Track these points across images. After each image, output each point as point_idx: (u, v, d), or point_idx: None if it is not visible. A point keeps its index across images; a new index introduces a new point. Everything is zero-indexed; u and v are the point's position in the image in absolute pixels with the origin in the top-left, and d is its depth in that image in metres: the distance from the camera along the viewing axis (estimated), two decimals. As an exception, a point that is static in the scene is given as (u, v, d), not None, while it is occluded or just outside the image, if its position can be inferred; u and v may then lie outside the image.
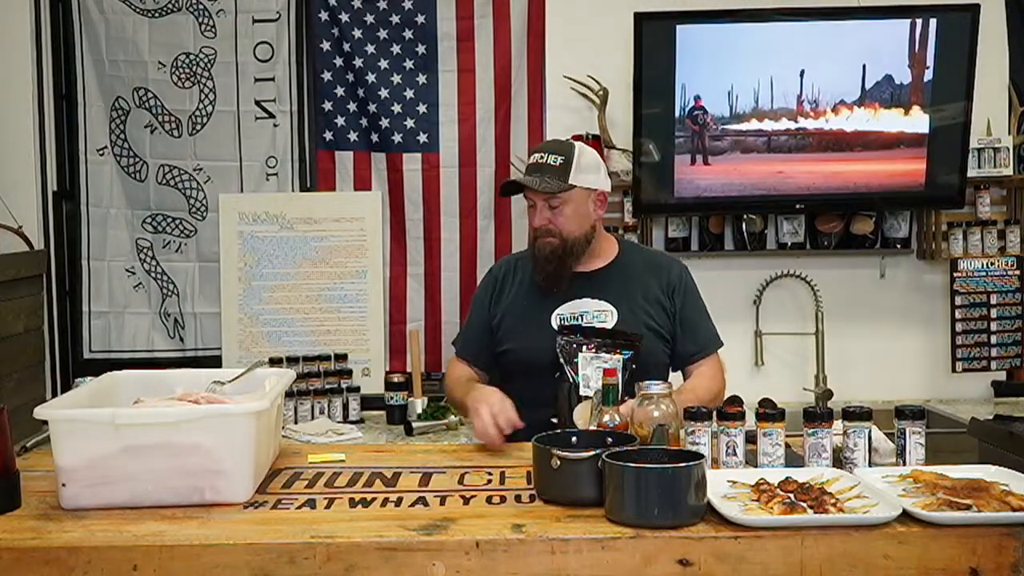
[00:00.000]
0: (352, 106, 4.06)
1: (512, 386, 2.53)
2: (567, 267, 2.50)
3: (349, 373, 3.73)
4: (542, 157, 2.48)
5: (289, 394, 3.39)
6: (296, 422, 3.47)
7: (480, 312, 2.66)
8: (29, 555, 1.58)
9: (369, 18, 4.02)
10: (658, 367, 2.53)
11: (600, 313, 2.49)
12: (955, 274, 3.91)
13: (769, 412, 1.94)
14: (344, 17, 4.01)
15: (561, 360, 2.31)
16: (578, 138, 3.85)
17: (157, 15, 4.01)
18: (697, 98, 3.70)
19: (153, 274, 4.10)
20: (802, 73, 3.69)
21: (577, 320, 2.49)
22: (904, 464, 1.92)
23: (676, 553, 1.57)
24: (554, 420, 2.38)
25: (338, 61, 4.04)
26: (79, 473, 1.75)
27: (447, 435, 3.47)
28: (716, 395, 2.49)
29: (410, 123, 4.04)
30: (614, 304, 2.50)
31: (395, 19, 4.02)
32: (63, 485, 1.76)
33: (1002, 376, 4.01)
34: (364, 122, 4.06)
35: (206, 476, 1.78)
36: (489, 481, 1.95)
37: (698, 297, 2.67)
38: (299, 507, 1.79)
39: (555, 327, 2.47)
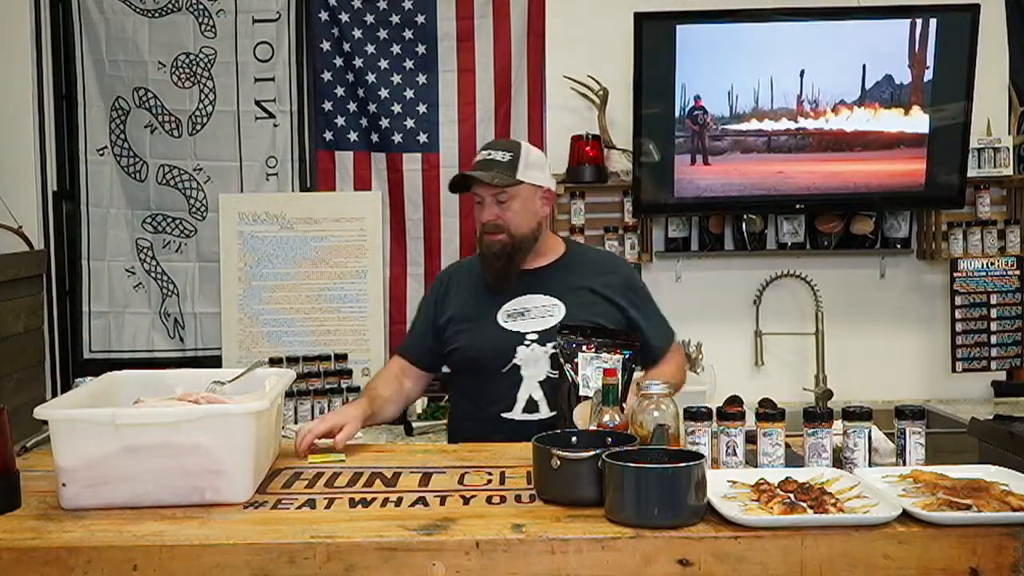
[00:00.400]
0: (352, 106, 4.06)
1: (463, 384, 2.60)
2: (515, 264, 2.52)
3: (349, 373, 3.74)
4: (490, 153, 2.51)
5: (289, 394, 3.39)
6: (296, 422, 3.47)
7: (426, 314, 2.67)
8: (29, 555, 1.58)
9: (369, 18, 4.02)
10: None
11: (547, 308, 2.51)
12: (955, 274, 3.91)
13: (769, 412, 1.94)
14: (344, 17, 4.01)
15: (561, 360, 2.31)
16: (578, 138, 3.87)
17: (157, 15, 4.01)
18: (697, 98, 3.70)
19: (153, 274, 4.10)
20: (802, 73, 3.69)
21: (523, 315, 2.51)
22: (904, 464, 1.92)
23: (676, 553, 1.57)
24: (504, 415, 2.44)
25: (338, 61, 4.04)
26: (79, 473, 1.75)
27: (447, 435, 3.46)
28: (679, 385, 2.58)
29: (410, 123, 4.04)
30: (560, 299, 2.52)
31: (395, 19, 4.02)
32: (63, 485, 1.76)
33: (1002, 376, 4.01)
34: (364, 122, 4.06)
35: (206, 476, 1.77)
36: (489, 481, 1.95)
37: (648, 294, 2.70)
38: (299, 507, 1.79)
39: (502, 324, 2.50)
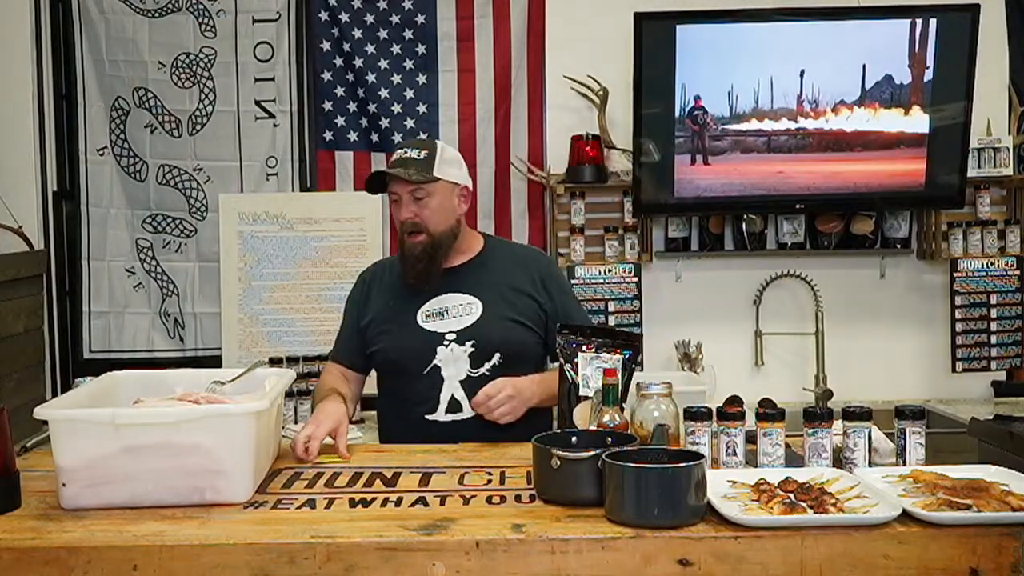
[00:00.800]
0: (352, 106, 4.06)
1: (387, 386, 2.59)
2: (437, 264, 2.50)
3: (349, 373, 3.73)
4: (405, 152, 2.49)
5: (289, 394, 3.39)
6: (296, 422, 3.47)
7: (351, 316, 2.66)
8: (29, 555, 1.58)
9: (369, 18, 4.02)
10: (533, 360, 2.55)
11: (465, 306, 2.50)
12: (955, 274, 3.91)
13: (769, 412, 1.94)
14: (344, 17, 4.01)
15: (561, 360, 2.31)
16: (578, 138, 3.87)
17: (157, 15, 4.01)
18: (697, 98, 3.70)
19: (153, 274, 4.10)
20: (802, 73, 3.69)
21: (442, 315, 2.49)
22: (904, 464, 1.92)
23: (676, 553, 1.57)
24: (427, 417, 2.43)
25: (338, 61, 4.04)
26: (79, 473, 1.75)
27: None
28: None
29: (410, 123, 4.04)
30: (478, 296, 2.51)
31: (395, 19, 4.02)
32: (63, 485, 1.76)
33: (1002, 376, 4.01)
34: (364, 122, 4.06)
35: (206, 476, 1.77)
36: (489, 481, 1.95)
37: (568, 286, 2.68)
38: (299, 507, 1.79)
39: (421, 325, 2.49)
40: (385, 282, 2.62)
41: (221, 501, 1.77)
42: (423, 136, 4.04)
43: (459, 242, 2.56)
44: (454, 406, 2.45)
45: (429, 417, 2.44)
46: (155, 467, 1.76)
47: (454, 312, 2.50)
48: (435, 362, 2.46)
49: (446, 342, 2.46)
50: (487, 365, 2.45)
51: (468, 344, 2.45)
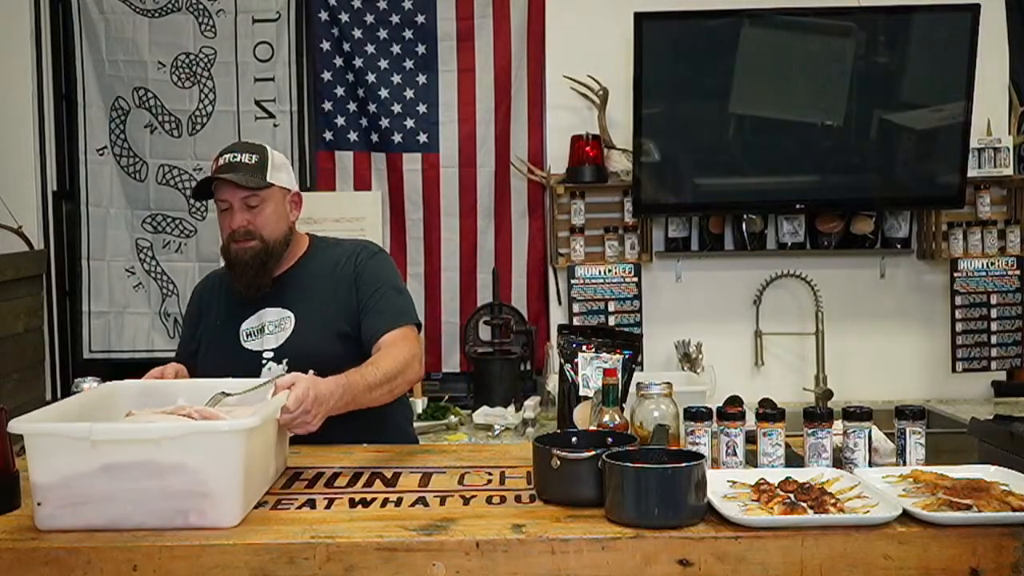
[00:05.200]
0: (352, 106, 4.06)
1: None
2: (268, 271, 2.36)
3: (349, 373, 3.73)
4: (235, 156, 2.33)
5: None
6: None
7: (184, 337, 2.56)
8: (29, 555, 1.58)
9: (369, 18, 4.02)
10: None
11: (279, 322, 2.37)
12: (955, 274, 3.91)
13: (769, 412, 1.94)
14: (344, 17, 4.01)
15: (561, 360, 2.31)
16: (578, 138, 3.87)
17: (157, 15, 4.01)
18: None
19: (153, 274, 4.10)
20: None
21: (260, 332, 2.36)
22: (904, 464, 1.92)
23: (676, 553, 1.57)
24: None
25: (338, 61, 4.04)
26: (55, 492, 1.63)
27: (447, 435, 3.47)
28: (398, 368, 2.20)
29: (410, 123, 4.04)
30: (292, 309, 2.37)
31: (395, 19, 4.03)
32: (39, 504, 1.65)
33: (1002, 376, 4.01)
34: (364, 122, 4.06)
35: (190, 498, 1.64)
36: (489, 481, 1.94)
37: (383, 276, 2.41)
38: (299, 507, 1.78)
39: (243, 343, 2.36)
40: (215, 297, 2.50)
41: (207, 525, 1.64)
42: (423, 137, 4.04)
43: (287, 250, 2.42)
44: None
45: None
46: (135, 487, 1.63)
47: (270, 328, 2.37)
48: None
49: (264, 360, 2.35)
50: None
51: (283, 363, 2.32)
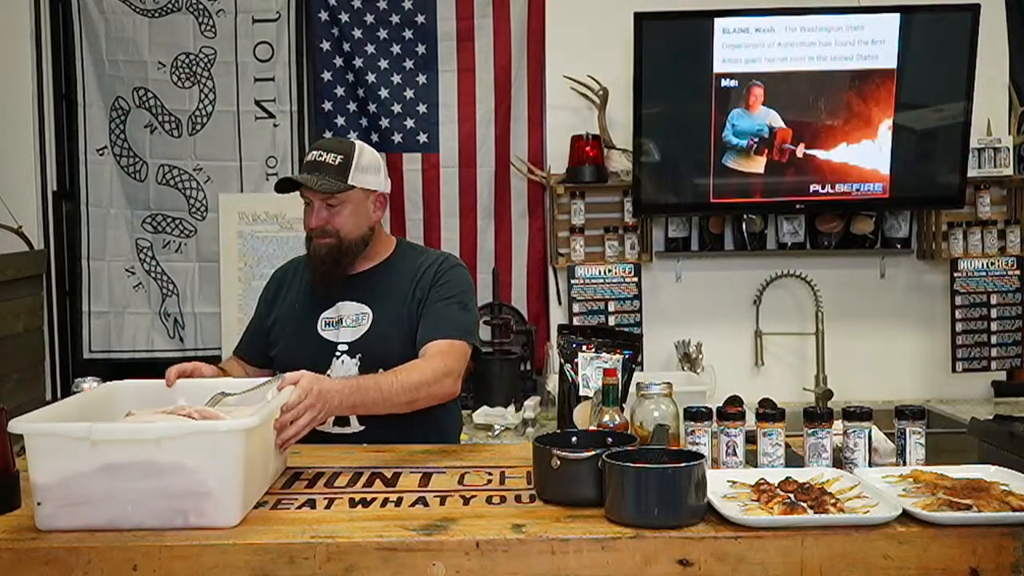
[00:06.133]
0: (352, 106, 4.06)
1: None
2: (342, 268, 2.40)
3: (349, 373, 3.73)
4: (320, 155, 2.36)
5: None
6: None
7: (259, 313, 2.59)
8: (29, 555, 1.58)
9: (369, 18, 4.02)
10: None
11: (357, 316, 2.40)
12: (955, 274, 3.91)
13: (769, 412, 1.94)
14: (344, 17, 4.01)
15: (561, 360, 2.31)
16: (578, 138, 3.87)
17: (157, 15, 4.01)
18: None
19: (153, 274, 4.10)
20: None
21: (339, 324, 2.39)
22: (904, 464, 1.92)
23: (676, 553, 1.57)
24: (318, 428, 2.11)
25: (338, 61, 4.04)
26: (55, 492, 1.64)
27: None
28: (423, 380, 2.20)
29: (410, 123, 4.04)
30: (371, 306, 2.40)
31: (395, 19, 4.03)
32: (39, 504, 1.65)
33: (1002, 376, 4.01)
34: (364, 122, 4.06)
35: (190, 498, 1.64)
36: (489, 481, 1.94)
37: (454, 290, 2.42)
38: (299, 507, 1.78)
39: (320, 332, 2.40)
40: (296, 282, 2.53)
41: (207, 525, 1.64)
42: (423, 137, 4.04)
43: (370, 248, 2.46)
44: (342, 420, 2.32)
45: (319, 428, 2.15)
46: (134, 487, 1.64)
47: (348, 322, 2.40)
48: (329, 372, 2.33)
49: (338, 353, 2.37)
50: None
51: (357, 357, 2.36)
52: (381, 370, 2.21)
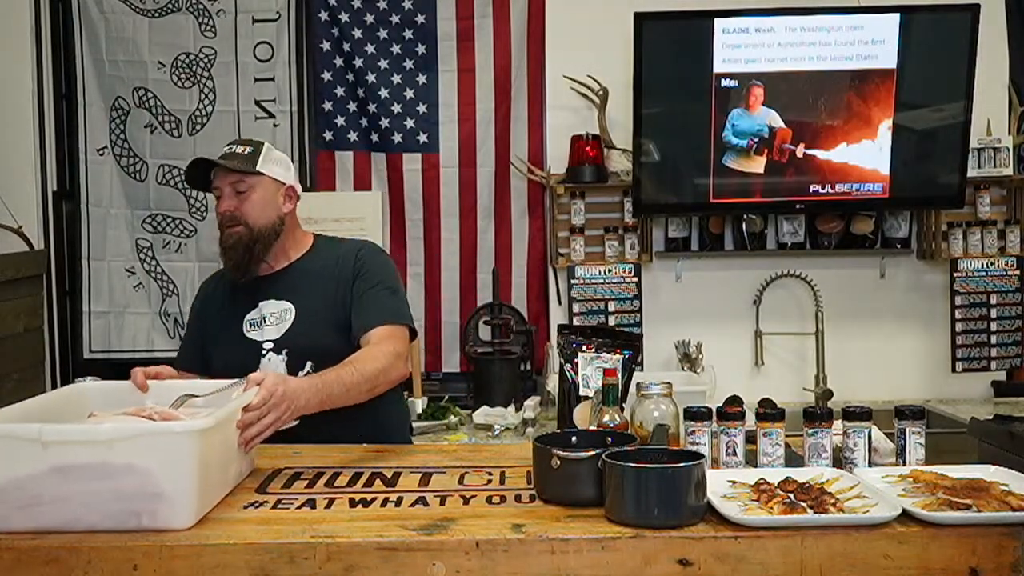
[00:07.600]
0: (352, 106, 4.06)
1: None
2: (255, 256, 2.43)
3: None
4: (231, 148, 2.46)
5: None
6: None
7: (191, 325, 2.63)
8: (29, 555, 1.58)
9: (369, 18, 4.02)
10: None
11: (280, 313, 2.43)
12: (955, 274, 3.91)
13: (769, 412, 1.94)
14: (344, 17, 4.01)
15: (561, 360, 2.31)
16: (578, 138, 3.87)
17: (157, 15, 4.01)
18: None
19: (153, 274, 4.10)
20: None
21: (262, 323, 2.42)
22: (904, 464, 1.92)
23: (676, 553, 1.57)
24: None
25: (338, 61, 4.04)
26: (8, 493, 1.62)
27: (447, 435, 3.47)
28: (381, 367, 2.23)
29: (410, 123, 4.04)
30: (292, 302, 2.44)
31: (395, 19, 4.03)
32: None
33: (1002, 376, 4.02)
34: (364, 122, 4.06)
35: (142, 500, 1.62)
36: (489, 481, 1.94)
37: (378, 274, 2.46)
38: (299, 507, 1.78)
39: (246, 333, 2.43)
40: (219, 290, 2.57)
41: (159, 527, 1.63)
42: (423, 137, 4.04)
43: (285, 244, 2.49)
44: None
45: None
46: (86, 489, 1.62)
47: (271, 320, 2.43)
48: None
49: (264, 351, 2.40)
50: (300, 374, 2.29)
51: (283, 353, 2.38)
52: (309, 363, 2.29)
